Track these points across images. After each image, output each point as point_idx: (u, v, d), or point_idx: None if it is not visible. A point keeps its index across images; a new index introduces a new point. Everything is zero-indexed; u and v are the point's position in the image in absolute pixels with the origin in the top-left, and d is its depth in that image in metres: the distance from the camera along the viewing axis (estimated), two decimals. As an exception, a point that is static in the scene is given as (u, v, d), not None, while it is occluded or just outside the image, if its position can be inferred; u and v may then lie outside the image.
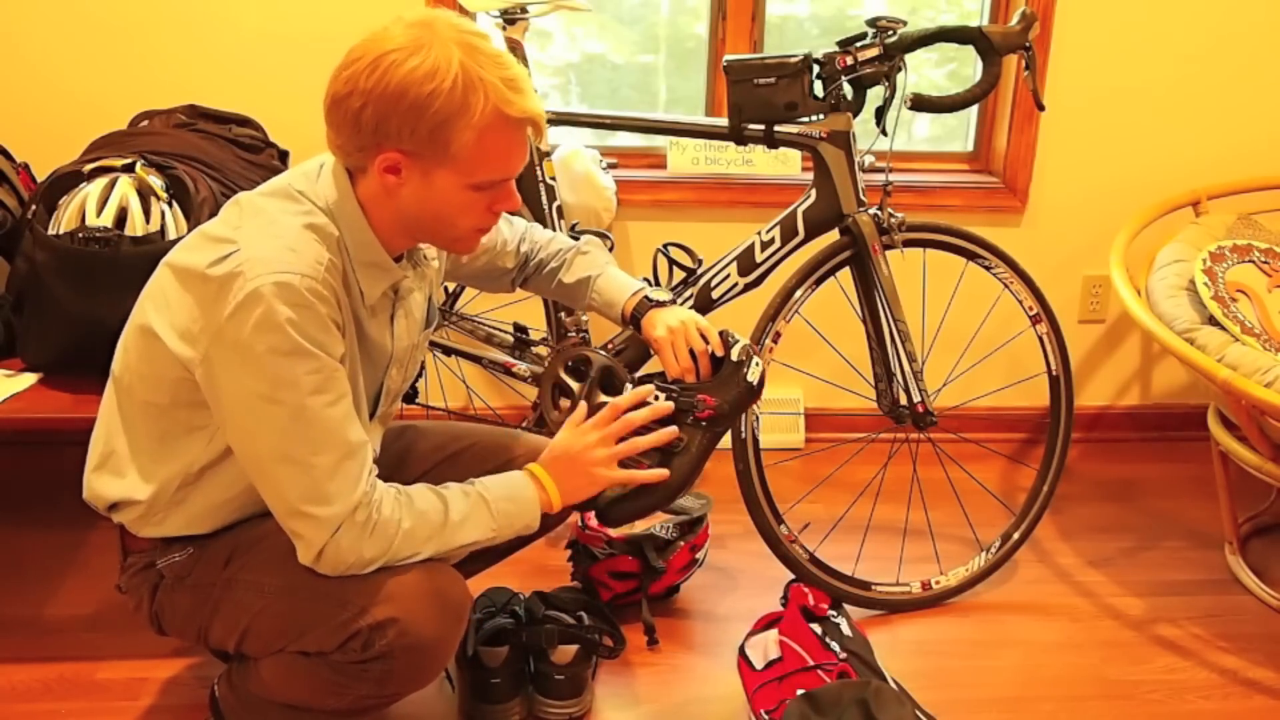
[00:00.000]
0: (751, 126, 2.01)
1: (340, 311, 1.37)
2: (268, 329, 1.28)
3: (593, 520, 2.07)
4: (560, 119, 2.20)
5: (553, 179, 2.24)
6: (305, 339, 1.30)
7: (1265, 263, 2.26)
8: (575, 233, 2.25)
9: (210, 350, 1.32)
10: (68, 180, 1.87)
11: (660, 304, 1.70)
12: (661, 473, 1.55)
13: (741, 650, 1.81)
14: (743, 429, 2.01)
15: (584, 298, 1.76)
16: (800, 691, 1.63)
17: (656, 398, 1.58)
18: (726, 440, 1.78)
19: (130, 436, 1.45)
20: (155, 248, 1.78)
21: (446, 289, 2.41)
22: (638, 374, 1.71)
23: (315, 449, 1.33)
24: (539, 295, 1.86)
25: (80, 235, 1.78)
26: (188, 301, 1.34)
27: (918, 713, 1.71)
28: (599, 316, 1.82)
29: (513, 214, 1.72)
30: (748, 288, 2.08)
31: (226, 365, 1.31)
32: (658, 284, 2.16)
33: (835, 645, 1.75)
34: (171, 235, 1.83)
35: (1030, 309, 2.14)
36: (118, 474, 1.46)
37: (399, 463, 1.69)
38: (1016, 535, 2.23)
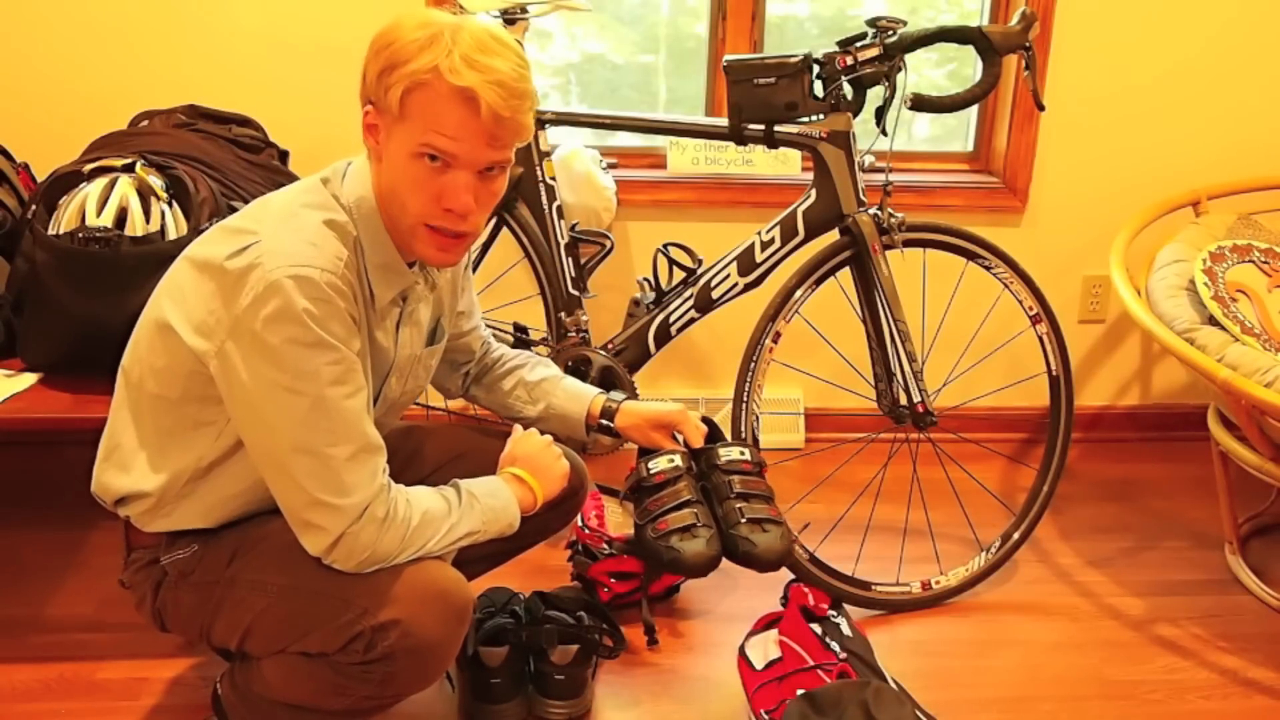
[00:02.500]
0: (751, 126, 2.01)
1: (357, 307, 1.38)
2: (287, 320, 1.29)
3: (592, 520, 2.07)
4: (560, 119, 2.20)
5: (553, 179, 2.24)
6: (325, 331, 1.31)
7: (1265, 263, 2.26)
8: (576, 233, 2.26)
9: (227, 342, 1.32)
10: (68, 180, 1.87)
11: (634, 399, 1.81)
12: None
13: (741, 650, 1.81)
14: (743, 429, 2.01)
15: (542, 397, 1.77)
16: (800, 691, 1.63)
17: (742, 453, 1.77)
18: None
19: (138, 430, 1.45)
20: (155, 248, 1.79)
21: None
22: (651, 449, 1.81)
23: (334, 440, 1.33)
24: (487, 400, 1.82)
25: (80, 235, 1.78)
26: (205, 293, 1.35)
27: (918, 713, 1.71)
28: (597, 319, 1.83)
29: (463, 217, 1.54)
30: (748, 288, 2.08)
31: (244, 356, 1.31)
32: (658, 284, 2.16)
33: (835, 645, 1.75)
34: (171, 235, 1.83)
35: (1030, 309, 2.14)
36: (123, 468, 1.46)
37: (406, 463, 1.69)
38: (1016, 535, 2.23)
